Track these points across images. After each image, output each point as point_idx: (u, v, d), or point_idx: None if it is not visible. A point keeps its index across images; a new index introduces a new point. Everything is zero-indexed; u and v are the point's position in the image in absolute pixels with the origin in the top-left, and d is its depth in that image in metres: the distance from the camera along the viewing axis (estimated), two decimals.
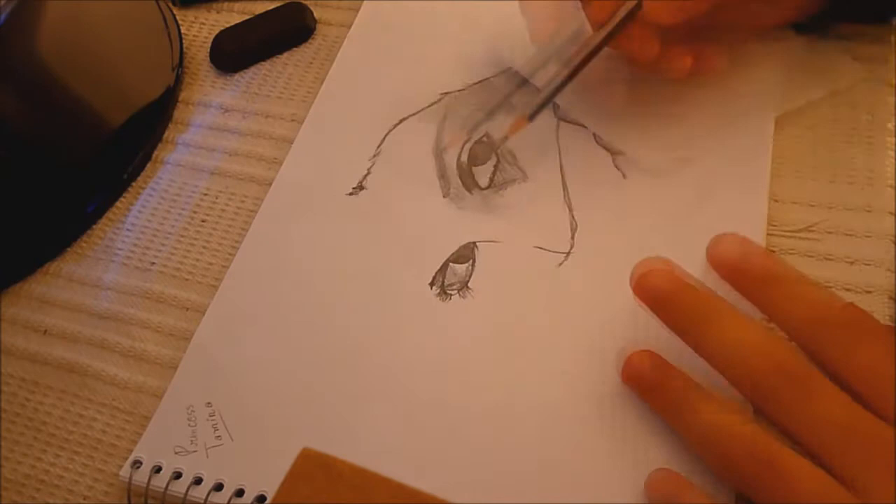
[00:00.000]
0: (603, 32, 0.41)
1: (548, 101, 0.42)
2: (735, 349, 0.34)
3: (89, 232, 0.48)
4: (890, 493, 0.30)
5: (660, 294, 0.36)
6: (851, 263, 0.40)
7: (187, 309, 0.44)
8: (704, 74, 0.43)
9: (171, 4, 0.57)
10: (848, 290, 0.40)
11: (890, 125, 0.44)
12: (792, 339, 0.34)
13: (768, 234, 0.41)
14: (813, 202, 0.42)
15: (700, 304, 0.35)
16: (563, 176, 0.44)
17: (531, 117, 0.42)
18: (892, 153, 0.43)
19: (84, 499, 0.40)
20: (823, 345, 0.33)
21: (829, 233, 0.41)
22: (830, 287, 0.40)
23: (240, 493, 0.37)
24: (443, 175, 0.45)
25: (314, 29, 0.54)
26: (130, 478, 0.38)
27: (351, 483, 0.33)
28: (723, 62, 0.44)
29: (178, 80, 0.53)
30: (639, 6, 0.40)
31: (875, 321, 0.35)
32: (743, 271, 0.36)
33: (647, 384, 0.36)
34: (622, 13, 0.40)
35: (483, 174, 0.45)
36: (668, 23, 0.40)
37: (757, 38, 0.47)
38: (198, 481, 0.38)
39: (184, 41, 0.55)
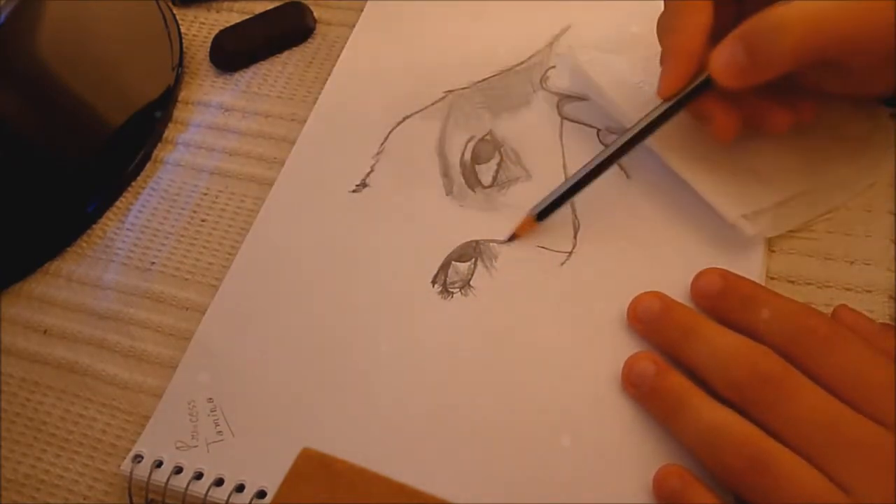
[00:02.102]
0: (662, 108, 0.40)
1: (562, 201, 0.41)
2: (717, 356, 0.35)
3: (89, 232, 0.48)
4: (878, 489, 0.30)
5: (650, 315, 0.38)
6: (851, 263, 0.40)
7: (187, 309, 0.44)
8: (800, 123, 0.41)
9: (171, 4, 0.57)
10: (848, 289, 0.40)
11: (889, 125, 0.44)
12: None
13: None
14: None
15: (685, 318, 0.37)
16: (566, 175, 0.44)
17: (540, 217, 0.42)
18: (892, 153, 0.43)
19: (84, 498, 0.39)
20: (802, 352, 0.34)
21: (830, 233, 0.41)
22: (830, 287, 0.40)
23: (240, 488, 0.37)
24: (446, 173, 0.45)
25: (314, 29, 0.55)
26: (132, 472, 0.38)
27: (351, 483, 0.33)
28: (814, 113, 0.41)
29: (178, 80, 0.53)
30: (707, 83, 0.39)
31: (859, 322, 0.36)
32: (722, 298, 0.37)
33: (645, 389, 0.36)
34: (691, 87, 0.39)
35: (486, 172, 0.45)
36: (735, 88, 0.38)
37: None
38: (198, 476, 0.38)
39: (184, 41, 0.55)
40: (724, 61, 0.38)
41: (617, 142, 0.41)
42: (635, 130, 0.40)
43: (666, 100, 0.40)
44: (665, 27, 0.41)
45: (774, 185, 0.41)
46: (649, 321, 0.38)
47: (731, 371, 0.34)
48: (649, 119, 0.40)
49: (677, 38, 0.40)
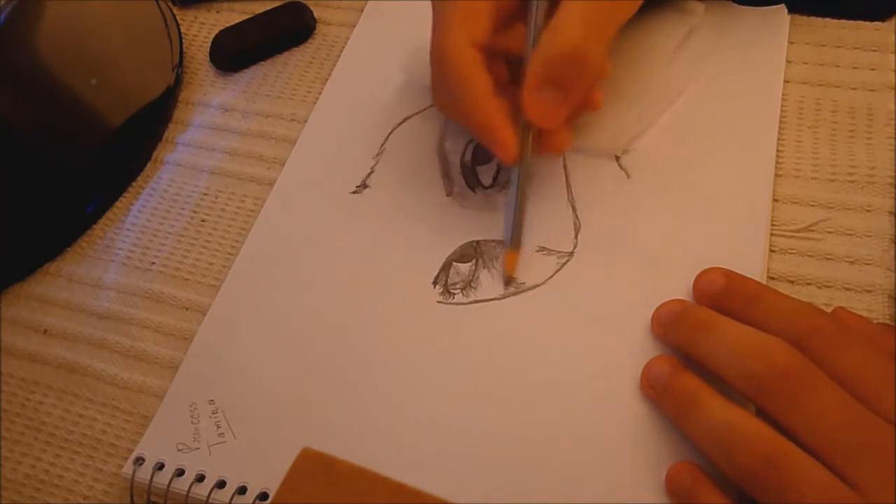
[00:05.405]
0: (523, 164, 0.42)
1: (518, 226, 0.42)
2: (733, 350, 0.34)
3: (89, 232, 0.48)
4: (890, 489, 0.30)
5: (670, 317, 0.38)
6: (851, 263, 0.40)
7: (187, 309, 0.44)
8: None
9: (171, 4, 0.57)
10: (848, 289, 0.40)
11: (889, 125, 0.44)
12: None
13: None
14: (813, 202, 0.42)
15: (700, 314, 0.37)
16: (566, 175, 0.44)
17: (515, 246, 0.42)
18: (892, 153, 0.43)
19: (84, 498, 0.39)
20: (808, 351, 0.33)
21: (829, 233, 0.41)
22: (830, 287, 0.40)
23: (242, 490, 0.37)
24: (446, 174, 0.45)
25: (314, 29, 0.55)
26: (133, 475, 0.38)
27: (351, 483, 0.33)
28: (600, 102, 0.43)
29: (178, 80, 0.53)
30: (529, 128, 0.41)
31: (859, 323, 0.36)
32: (725, 296, 0.37)
33: (659, 388, 0.36)
34: (527, 140, 0.41)
35: (486, 173, 0.45)
36: (558, 124, 0.41)
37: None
38: (200, 478, 0.38)
39: (184, 41, 0.55)
40: (544, 109, 0.40)
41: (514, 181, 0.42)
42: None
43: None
44: (456, 104, 0.41)
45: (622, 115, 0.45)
46: (668, 323, 0.38)
47: (748, 364, 0.34)
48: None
49: (479, 117, 0.40)
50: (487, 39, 0.41)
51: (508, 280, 0.42)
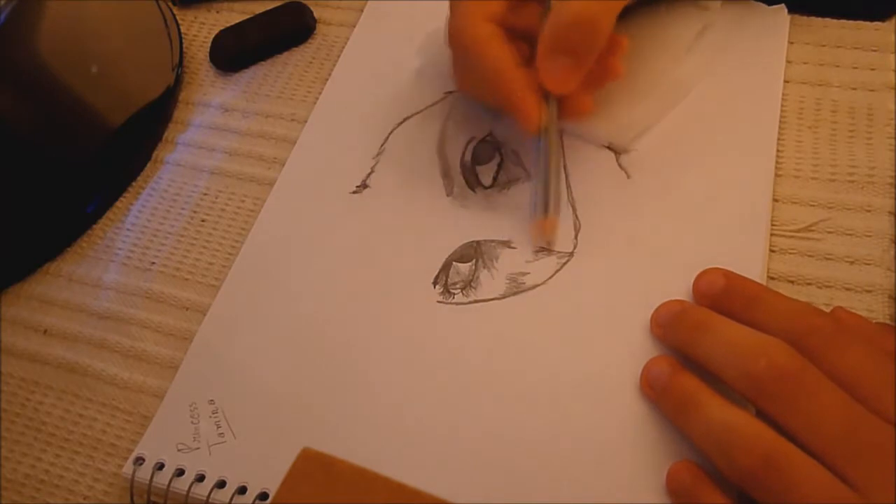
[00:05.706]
0: (551, 133, 0.42)
1: (553, 193, 0.42)
2: (733, 352, 0.34)
3: (89, 232, 0.48)
4: (890, 490, 0.30)
5: (669, 318, 0.38)
6: (851, 263, 0.40)
7: (187, 309, 0.44)
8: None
9: (171, 4, 0.57)
10: (848, 289, 0.40)
11: (889, 125, 0.44)
12: None
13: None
14: (813, 202, 0.42)
15: (701, 316, 0.37)
16: (566, 175, 0.44)
17: (549, 214, 0.42)
18: (892, 153, 0.43)
19: (84, 498, 0.39)
20: (808, 352, 0.33)
21: (829, 232, 0.41)
22: (830, 287, 0.40)
23: (242, 490, 0.37)
24: (446, 174, 0.45)
25: (314, 29, 0.55)
26: (133, 475, 0.38)
27: (351, 483, 0.33)
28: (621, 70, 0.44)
29: (178, 80, 0.53)
30: (553, 100, 0.42)
31: (858, 323, 0.36)
32: (725, 297, 0.37)
33: (658, 388, 0.36)
34: (551, 112, 0.42)
35: (486, 173, 0.45)
36: (572, 90, 0.42)
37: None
38: (200, 478, 0.38)
39: (184, 41, 0.55)
40: (557, 75, 0.41)
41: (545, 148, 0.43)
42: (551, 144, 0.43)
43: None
44: (477, 80, 0.43)
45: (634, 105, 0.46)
46: (667, 324, 0.38)
47: (747, 365, 0.33)
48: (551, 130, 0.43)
49: (501, 87, 0.42)
50: (503, 15, 0.42)
51: (548, 245, 0.42)
